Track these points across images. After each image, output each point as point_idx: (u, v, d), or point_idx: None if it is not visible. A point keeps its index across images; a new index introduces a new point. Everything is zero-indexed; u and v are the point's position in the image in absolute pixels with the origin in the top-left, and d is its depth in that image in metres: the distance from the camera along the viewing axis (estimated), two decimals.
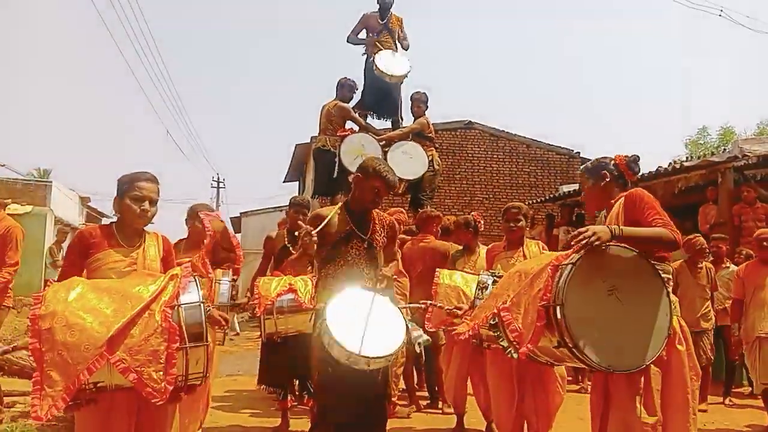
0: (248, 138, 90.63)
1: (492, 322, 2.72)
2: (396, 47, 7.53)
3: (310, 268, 4.34)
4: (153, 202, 2.63)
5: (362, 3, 7.89)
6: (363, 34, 7.61)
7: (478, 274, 3.72)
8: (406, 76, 7.34)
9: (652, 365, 2.40)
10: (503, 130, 14.89)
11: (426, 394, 5.78)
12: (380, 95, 7.43)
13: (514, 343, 2.47)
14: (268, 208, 21.04)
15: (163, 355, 2.16)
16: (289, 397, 4.74)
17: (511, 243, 4.00)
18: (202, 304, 2.37)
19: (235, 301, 4.94)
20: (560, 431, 3.80)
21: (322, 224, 2.90)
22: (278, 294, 4.26)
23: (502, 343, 2.74)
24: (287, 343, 4.34)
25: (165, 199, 2.95)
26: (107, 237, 2.59)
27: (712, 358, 5.68)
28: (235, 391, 6.34)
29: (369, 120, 7.56)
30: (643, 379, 2.43)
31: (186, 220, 4.07)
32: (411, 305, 4.22)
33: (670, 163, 9.15)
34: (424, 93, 7.20)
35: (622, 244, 2.39)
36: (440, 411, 5.35)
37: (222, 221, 4.20)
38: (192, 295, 2.37)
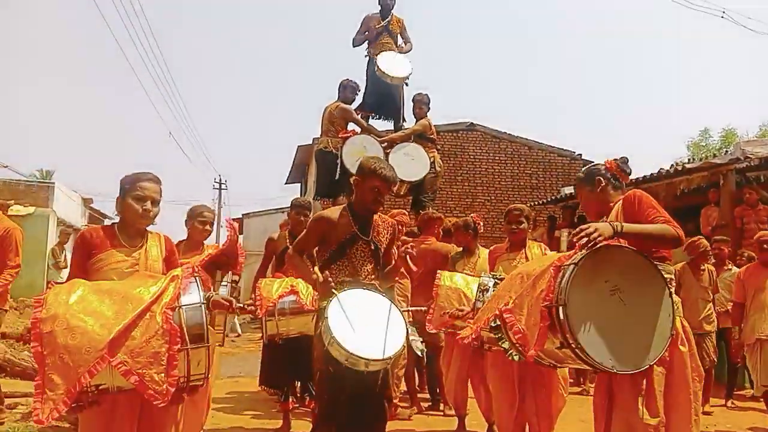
0: (250, 139, 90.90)
1: (493, 324, 2.72)
2: (396, 50, 7.52)
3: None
4: (155, 203, 2.63)
5: (365, 4, 7.88)
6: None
7: (478, 276, 3.72)
8: (407, 77, 7.33)
9: (655, 366, 2.39)
10: (505, 132, 14.90)
11: (427, 396, 5.77)
12: (382, 97, 7.42)
13: (517, 345, 2.47)
14: (270, 210, 21.10)
15: (164, 356, 2.15)
16: (290, 399, 4.74)
17: (514, 245, 4.00)
18: (203, 305, 2.37)
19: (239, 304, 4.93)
20: None
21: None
22: (280, 296, 4.27)
23: (503, 345, 2.74)
24: (289, 344, 4.33)
25: (167, 201, 2.94)
26: (109, 237, 2.59)
27: (715, 360, 5.67)
28: (236, 392, 6.33)
29: (371, 121, 7.55)
30: (646, 380, 2.42)
31: (186, 221, 4.07)
32: (411, 308, 4.20)
33: (672, 165, 9.13)
34: (426, 94, 7.19)
35: (625, 245, 2.39)
36: (441, 413, 5.36)
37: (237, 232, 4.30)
38: (193, 296, 2.37)
